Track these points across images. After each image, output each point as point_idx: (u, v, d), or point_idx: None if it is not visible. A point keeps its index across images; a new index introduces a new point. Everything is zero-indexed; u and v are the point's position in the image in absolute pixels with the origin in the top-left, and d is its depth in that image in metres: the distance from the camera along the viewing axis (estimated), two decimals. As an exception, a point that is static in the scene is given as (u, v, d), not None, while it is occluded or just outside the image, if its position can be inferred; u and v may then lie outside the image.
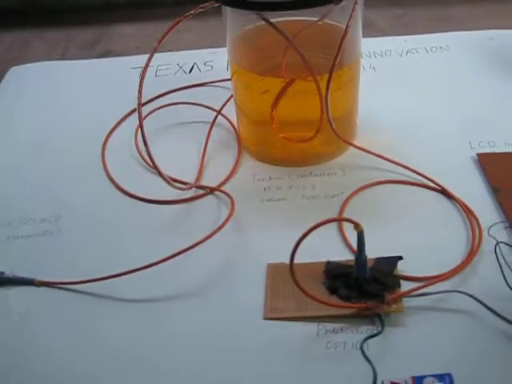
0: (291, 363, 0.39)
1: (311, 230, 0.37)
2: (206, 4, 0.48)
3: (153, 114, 0.62)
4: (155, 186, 0.52)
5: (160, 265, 0.44)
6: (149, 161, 0.50)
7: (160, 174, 0.49)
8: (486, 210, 0.48)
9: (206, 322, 0.42)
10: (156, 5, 0.92)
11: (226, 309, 0.43)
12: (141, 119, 0.49)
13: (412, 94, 0.63)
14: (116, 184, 0.54)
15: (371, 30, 0.77)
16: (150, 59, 0.48)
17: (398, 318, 0.40)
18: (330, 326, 0.41)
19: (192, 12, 0.47)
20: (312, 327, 0.41)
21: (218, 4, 0.48)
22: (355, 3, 0.46)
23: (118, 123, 0.62)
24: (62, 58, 0.79)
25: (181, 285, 0.45)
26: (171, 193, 0.51)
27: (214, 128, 0.60)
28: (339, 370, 0.38)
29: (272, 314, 0.41)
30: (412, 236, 0.47)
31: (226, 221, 0.48)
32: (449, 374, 0.36)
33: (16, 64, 0.76)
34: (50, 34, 0.86)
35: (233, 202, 0.50)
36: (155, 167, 0.49)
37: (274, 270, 0.44)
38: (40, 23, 0.88)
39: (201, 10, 0.48)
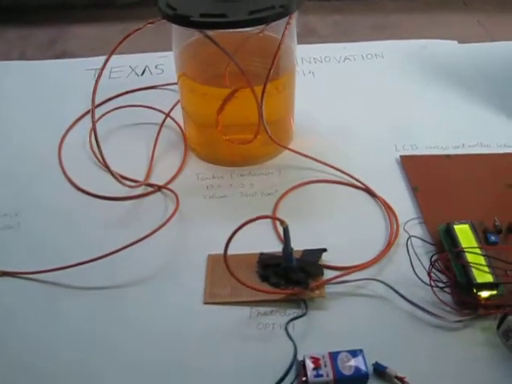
0: (227, 342, 0.44)
1: (243, 225, 0.42)
2: (155, 20, 0.52)
3: (107, 115, 0.66)
4: (108, 183, 0.55)
5: (114, 255, 0.49)
6: (101, 160, 0.53)
7: (111, 173, 0.53)
8: (405, 207, 0.54)
9: (154, 306, 0.47)
10: (108, 6, 0.96)
11: (171, 294, 0.47)
12: (94, 120, 0.52)
13: (346, 99, 0.68)
14: (71, 181, 0.58)
15: (312, 37, 0.82)
16: (103, 68, 0.52)
17: (321, 303, 0.46)
18: (261, 309, 0.46)
19: (141, 27, 0.51)
20: (246, 311, 0.46)
21: (164, 20, 0.52)
22: (287, 23, 0.51)
23: (74, 123, 0.66)
24: (21, 58, 0.82)
25: (132, 273, 0.49)
26: (123, 190, 0.55)
27: (162, 129, 0.64)
28: (268, 347, 0.43)
29: (211, 299, 0.47)
30: (337, 230, 0.52)
31: (171, 216, 0.53)
32: (361, 350, 0.41)
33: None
34: (8, 32, 0.89)
35: (177, 199, 0.55)
36: (106, 166, 0.53)
37: (213, 260, 0.49)
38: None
39: (150, 24, 0.52)
